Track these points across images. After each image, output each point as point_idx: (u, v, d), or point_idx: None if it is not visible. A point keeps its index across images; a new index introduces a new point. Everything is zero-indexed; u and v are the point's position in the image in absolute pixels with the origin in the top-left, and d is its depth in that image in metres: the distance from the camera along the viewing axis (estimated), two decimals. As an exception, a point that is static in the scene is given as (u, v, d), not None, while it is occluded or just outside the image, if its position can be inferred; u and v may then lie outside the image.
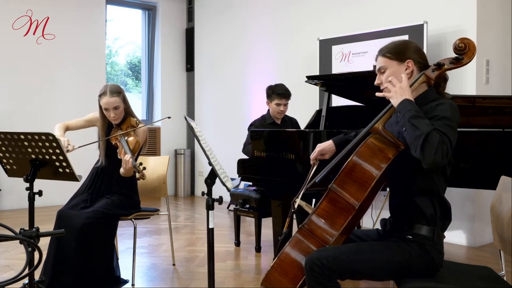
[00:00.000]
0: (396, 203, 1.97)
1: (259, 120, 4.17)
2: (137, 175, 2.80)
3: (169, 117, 3.06)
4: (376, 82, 1.97)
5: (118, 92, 3.04)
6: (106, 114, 3.07)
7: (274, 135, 3.54)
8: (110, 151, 3.08)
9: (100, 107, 3.07)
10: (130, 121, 3.10)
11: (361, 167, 1.84)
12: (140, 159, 3.70)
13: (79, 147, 2.86)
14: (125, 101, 3.09)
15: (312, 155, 2.24)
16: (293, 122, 4.32)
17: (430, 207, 1.84)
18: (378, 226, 2.24)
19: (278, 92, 4.04)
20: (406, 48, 1.92)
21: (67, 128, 3.12)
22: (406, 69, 1.89)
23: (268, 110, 4.16)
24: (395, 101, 1.82)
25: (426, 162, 1.67)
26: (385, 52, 1.94)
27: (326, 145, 2.25)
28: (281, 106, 4.06)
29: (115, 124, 3.10)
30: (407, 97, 1.79)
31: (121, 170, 2.96)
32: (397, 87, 1.82)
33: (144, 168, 2.80)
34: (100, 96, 3.05)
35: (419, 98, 1.87)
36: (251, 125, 4.16)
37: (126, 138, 2.99)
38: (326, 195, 1.91)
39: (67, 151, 2.73)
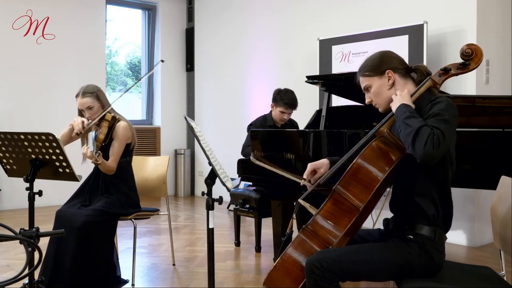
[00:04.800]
0: (397, 203, 1.97)
1: (259, 120, 4.12)
2: (92, 160, 2.82)
3: (162, 61, 3.13)
4: (367, 101, 2.02)
5: (90, 92, 3.06)
6: (84, 115, 3.09)
7: (274, 135, 3.54)
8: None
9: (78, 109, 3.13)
10: (106, 117, 3.07)
11: (366, 170, 1.85)
12: (141, 158, 3.71)
13: (92, 124, 3.00)
14: (99, 99, 3.08)
15: (305, 173, 2.15)
16: (294, 125, 4.30)
17: (432, 208, 1.84)
18: (378, 226, 2.24)
19: (286, 102, 3.91)
20: (381, 61, 1.95)
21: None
22: (388, 79, 1.93)
23: (271, 111, 4.08)
24: (394, 107, 1.87)
25: (418, 155, 1.69)
26: (363, 72, 1.98)
27: (319, 161, 2.16)
28: (285, 115, 3.98)
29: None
30: (404, 102, 1.84)
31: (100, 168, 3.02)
32: (398, 95, 1.88)
33: (99, 155, 2.81)
34: (75, 97, 3.10)
35: (418, 101, 1.89)
36: (250, 125, 4.13)
37: (96, 132, 3.05)
38: (331, 196, 1.91)
39: (83, 128, 2.92)
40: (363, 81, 2.00)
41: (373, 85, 1.96)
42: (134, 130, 3.18)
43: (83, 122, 2.94)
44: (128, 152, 3.17)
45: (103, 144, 3.01)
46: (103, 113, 3.03)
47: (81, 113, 3.13)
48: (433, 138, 1.66)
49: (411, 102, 1.85)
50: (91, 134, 3.01)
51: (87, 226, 2.80)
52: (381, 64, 1.94)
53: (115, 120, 3.08)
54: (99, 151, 2.82)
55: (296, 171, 3.20)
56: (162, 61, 3.09)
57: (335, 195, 1.90)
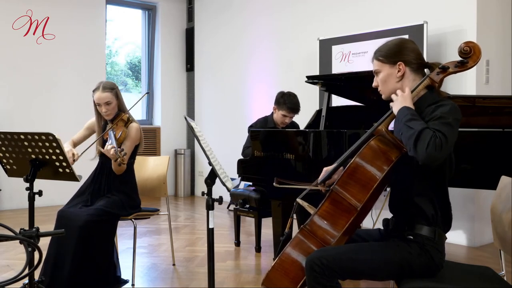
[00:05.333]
0: (397, 203, 1.97)
1: (260, 122, 4.12)
2: (118, 160, 2.79)
3: (148, 93, 3.19)
4: (374, 84, 2.01)
5: (111, 88, 3.10)
6: (98, 109, 3.11)
7: (274, 135, 3.54)
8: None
9: (94, 102, 3.12)
10: (121, 116, 3.13)
11: (364, 169, 1.84)
12: (141, 158, 3.71)
13: (82, 153, 2.97)
14: (118, 97, 3.13)
15: (320, 177, 2.14)
16: (294, 126, 4.30)
17: (431, 208, 1.84)
18: (378, 226, 2.24)
19: (289, 106, 3.91)
20: (398, 50, 1.92)
21: (73, 143, 3.24)
22: (398, 71, 1.91)
23: (272, 113, 4.08)
24: (395, 109, 1.86)
25: (420, 158, 1.68)
26: (378, 56, 1.97)
27: (333, 166, 2.15)
28: (286, 118, 3.99)
29: (108, 120, 3.15)
30: (406, 104, 1.82)
31: (112, 166, 3.01)
32: (399, 96, 1.87)
33: (125, 154, 2.81)
34: (93, 91, 3.11)
35: (419, 101, 1.88)
36: (251, 126, 4.12)
37: (114, 131, 3.04)
38: (329, 196, 1.91)
39: (74, 161, 2.86)
40: (375, 65, 1.98)
41: (383, 71, 1.95)
42: (142, 134, 3.23)
43: (73, 154, 2.94)
44: (133, 154, 3.19)
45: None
46: (122, 130, 3.07)
47: (96, 108, 3.14)
48: (435, 140, 1.65)
49: (412, 103, 1.85)
50: (110, 134, 2.98)
51: (89, 225, 2.80)
52: (397, 53, 1.92)
53: (128, 120, 3.14)
54: (125, 151, 2.82)
55: (298, 173, 3.21)
56: (148, 93, 3.16)
57: (333, 195, 1.89)
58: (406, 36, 4.45)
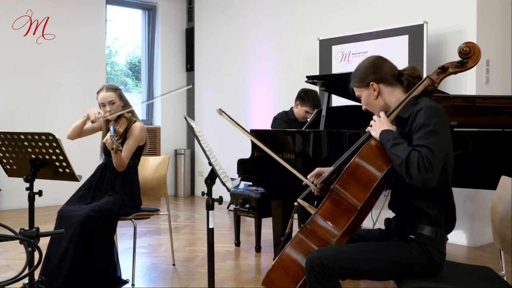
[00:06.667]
0: (399, 203, 1.97)
1: (283, 114, 4.26)
2: (114, 147, 2.82)
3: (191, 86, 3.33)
4: (363, 108, 2.07)
5: (114, 88, 3.17)
6: (102, 110, 3.13)
7: (274, 135, 3.54)
8: (108, 149, 3.08)
9: (99, 105, 3.16)
10: (123, 114, 3.16)
11: (364, 168, 1.85)
12: (141, 158, 3.70)
13: (107, 117, 3.07)
14: (121, 98, 3.18)
15: (311, 174, 2.18)
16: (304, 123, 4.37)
17: (434, 209, 1.83)
18: (378, 226, 2.24)
19: (313, 103, 4.08)
20: (367, 72, 1.99)
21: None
22: (374, 91, 1.97)
23: (292, 108, 4.22)
24: (374, 134, 1.89)
25: (417, 184, 1.70)
26: (353, 83, 2.05)
27: (326, 168, 2.18)
28: (308, 114, 4.14)
29: (112, 120, 3.15)
30: (384, 128, 1.86)
31: (113, 160, 3.03)
32: (377, 121, 1.92)
33: (120, 143, 2.89)
34: (97, 93, 3.17)
35: (407, 105, 1.89)
36: (276, 118, 4.24)
37: (115, 126, 3.08)
38: (329, 196, 1.91)
39: (96, 118, 3.00)
40: (355, 91, 2.06)
41: (362, 95, 2.02)
42: (147, 134, 3.25)
43: (99, 112, 3.02)
44: (137, 154, 3.20)
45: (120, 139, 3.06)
46: (123, 112, 3.14)
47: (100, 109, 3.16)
48: (423, 161, 1.67)
49: (390, 124, 1.88)
50: (111, 128, 3.02)
51: (89, 220, 2.81)
52: (367, 76, 1.98)
53: (132, 120, 3.17)
54: (120, 140, 2.87)
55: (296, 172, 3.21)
56: (191, 86, 3.34)
57: (333, 195, 1.90)
58: (406, 36, 4.46)
